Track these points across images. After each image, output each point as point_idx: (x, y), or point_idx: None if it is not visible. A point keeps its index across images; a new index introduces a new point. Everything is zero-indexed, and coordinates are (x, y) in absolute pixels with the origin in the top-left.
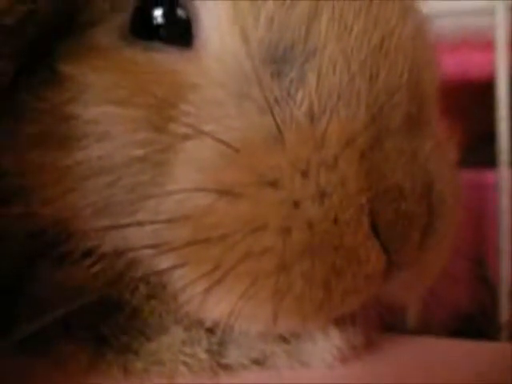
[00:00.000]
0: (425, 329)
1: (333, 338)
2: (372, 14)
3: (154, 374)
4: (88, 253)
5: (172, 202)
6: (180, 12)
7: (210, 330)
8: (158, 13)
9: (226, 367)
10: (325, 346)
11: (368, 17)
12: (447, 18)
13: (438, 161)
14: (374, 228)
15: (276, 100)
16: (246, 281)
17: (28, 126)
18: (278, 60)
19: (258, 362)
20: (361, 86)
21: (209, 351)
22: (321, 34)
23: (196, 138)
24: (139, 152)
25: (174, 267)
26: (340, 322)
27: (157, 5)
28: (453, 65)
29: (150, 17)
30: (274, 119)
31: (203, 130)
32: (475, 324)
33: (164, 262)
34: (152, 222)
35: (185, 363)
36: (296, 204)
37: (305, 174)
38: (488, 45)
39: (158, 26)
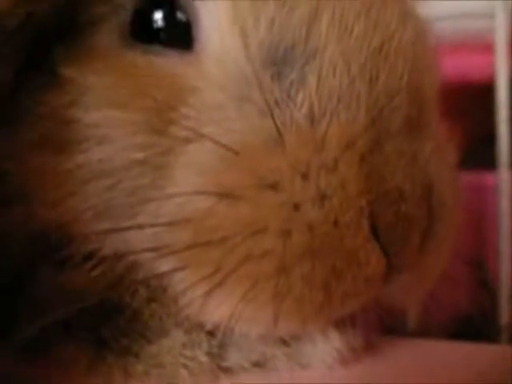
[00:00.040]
0: (424, 331)
1: (333, 340)
2: (372, 17)
3: (154, 376)
4: (89, 256)
5: (172, 205)
6: (180, 15)
7: (211, 333)
8: (157, 16)
9: (227, 370)
10: (325, 348)
11: (368, 20)
12: (447, 20)
13: (438, 163)
14: (374, 231)
15: (276, 102)
16: (247, 283)
17: (28, 129)
18: (278, 62)
19: (258, 365)
20: (361, 88)
21: (209, 354)
22: (321, 37)
23: (196, 141)
24: (139, 155)
25: (175, 270)
26: (340, 325)
27: (157, 8)
28: (453, 67)
29: (150, 20)
30: (274, 122)
31: (203, 133)
32: (475, 326)
33: (164, 265)
34: (152, 225)
35: (185, 366)
36: (296, 206)
37: (305, 177)
38: (488, 47)
39: (158, 28)
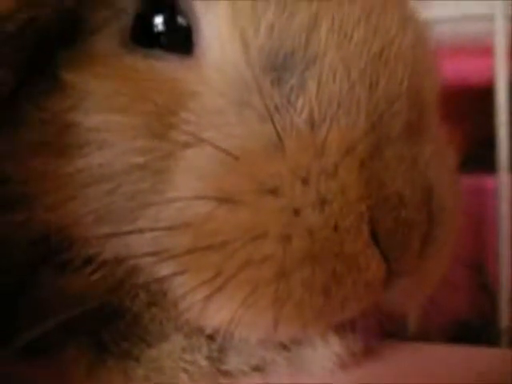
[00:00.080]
0: (424, 335)
1: (332, 344)
2: (372, 23)
3: (154, 380)
4: (89, 259)
5: (172, 210)
6: (180, 20)
7: (211, 337)
8: (158, 20)
9: (226, 374)
10: (324, 353)
11: (368, 25)
12: (447, 23)
13: (438, 167)
14: (374, 236)
15: (276, 108)
16: (246, 288)
17: (30, 133)
18: (279, 67)
19: (258, 369)
20: (361, 94)
21: (209, 358)
22: (321, 42)
23: (196, 145)
24: (140, 159)
25: (175, 274)
26: (340, 329)
27: (157, 12)
28: (452, 70)
29: (151, 24)
30: (275, 127)
31: (203, 138)
32: (475, 330)
33: (164, 270)
34: (152, 230)
35: (185, 370)
36: (296, 211)
37: (305, 182)
38: (487, 50)
39: (159, 33)
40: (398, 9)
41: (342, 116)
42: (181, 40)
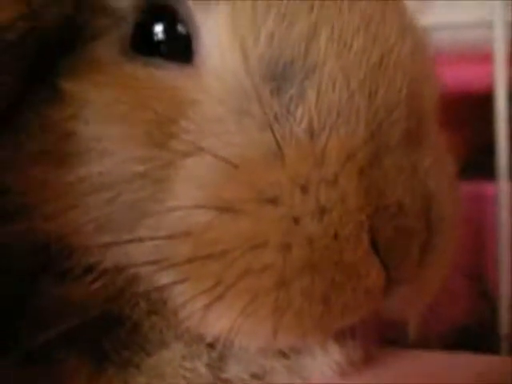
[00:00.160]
0: (424, 342)
1: (332, 352)
2: (371, 32)
3: None
4: (89, 268)
5: (172, 219)
6: (180, 28)
7: (211, 345)
8: (158, 29)
9: (226, 382)
10: (324, 361)
11: (367, 34)
12: (446, 30)
13: (437, 175)
14: (374, 244)
15: (276, 116)
16: (246, 297)
17: (30, 142)
18: (278, 77)
19: (257, 377)
20: (360, 102)
21: (209, 366)
22: (320, 51)
23: (196, 154)
24: (140, 168)
25: (175, 283)
26: (339, 337)
27: (157, 21)
28: (451, 77)
29: (151, 32)
30: (274, 136)
31: (203, 147)
32: (474, 337)
33: (164, 278)
34: (152, 239)
35: (185, 378)
36: (296, 220)
37: (305, 191)
38: (486, 57)
39: (159, 41)
40: (397, 17)
41: (342, 125)
42: (181, 48)
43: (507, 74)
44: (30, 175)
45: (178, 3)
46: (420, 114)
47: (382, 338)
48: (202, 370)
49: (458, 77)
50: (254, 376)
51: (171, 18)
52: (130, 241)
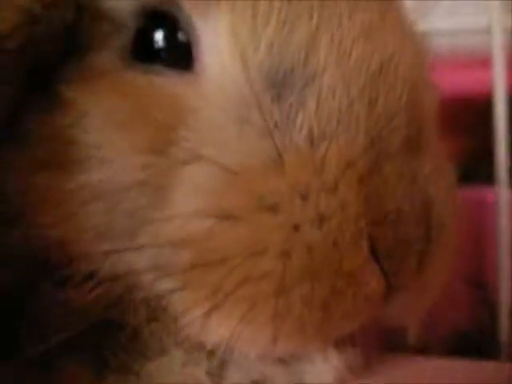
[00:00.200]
0: (424, 348)
1: (332, 359)
2: (371, 40)
3: None
4: (89, 276)
5: (172, 226)
6: (181, 36)
7: (211, 352)
8: (158, 36)
9: None
10: (323, 368)
11: (367, 42)
12: (445, 36)
13: (437, 183)
14: (374, 252)
15: (276, 124)
16: (246, 305)
17: (30, 150)
18: (278, 84)
19: None
20: (360, 110)
21: (209, 373)
22: (320, 59)
23: (196, 162)
24: (140, 176)
25: (174, 291)
26: (339, 344)
27: (158, 28)
28: (451, 83)
29: (151, 40)
30: (274, 143)
31: (203, 154)
32: (474, 343)
33: (164, 286)
34: (152, 246)
35: None
36: (296, 228)
37: (304, 198)
38: (485, 63)
39: (159, 49)
40: (397, 24)
41: (342, 132)
42: (181, 56)
43: (506, 79)
44: (30, 183)
45: (179, 11)
46: (420, 121)
47: (381, 344)
48: (202, 377)
49: (457, 83)
50: (254, 382)
51: (171, 26)
52: (130, 248)
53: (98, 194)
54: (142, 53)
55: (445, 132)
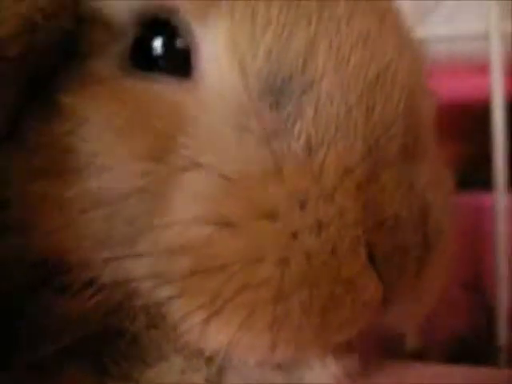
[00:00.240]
0: (423, 354)
1: (330, 365)
2: (369, 47)
3: None
4: (88, 283)
5: (171, 234)
6: (179, 43)
7: (210, 359)
8: (157, 43)
9: None
10: (322, 374)
11: (365, 50)
12: (442, 42)
13: (434, 190)
14: (372, 259)
15: (274, 132)
16: (244, 312)
17: (29, 158)
18: (276, 92)
19: None
20: (358, 118)
21: (208, 379)
22: (318, 66)
23: (194, 169)
24: (138, 183)
25: (173, 298)
26: (337, 350)
27: (156, 35)
28: (448, 89)
29: (150, 47)
30: (272, 151)
31: (202, 162)
32: (472, 349)
33: (163, 293)
34: (151, 253)
35: None
36: (294, 235)
37: (303, 206)
38: (483, 69)
39: (158, 56)
40: (395, 31)
41: (340, 140)
42: (179, 63)
43: (504, 85)
44: (29, 190)
45: (177, 18)
46: (417, 128)
47: (380, 350)
48: (201, 383)
49: (455, 89)
50: None
51: (170, 33)
52: (130, 255)
53: (98, 201)
54: (141, 60)
55: (443, 138)
